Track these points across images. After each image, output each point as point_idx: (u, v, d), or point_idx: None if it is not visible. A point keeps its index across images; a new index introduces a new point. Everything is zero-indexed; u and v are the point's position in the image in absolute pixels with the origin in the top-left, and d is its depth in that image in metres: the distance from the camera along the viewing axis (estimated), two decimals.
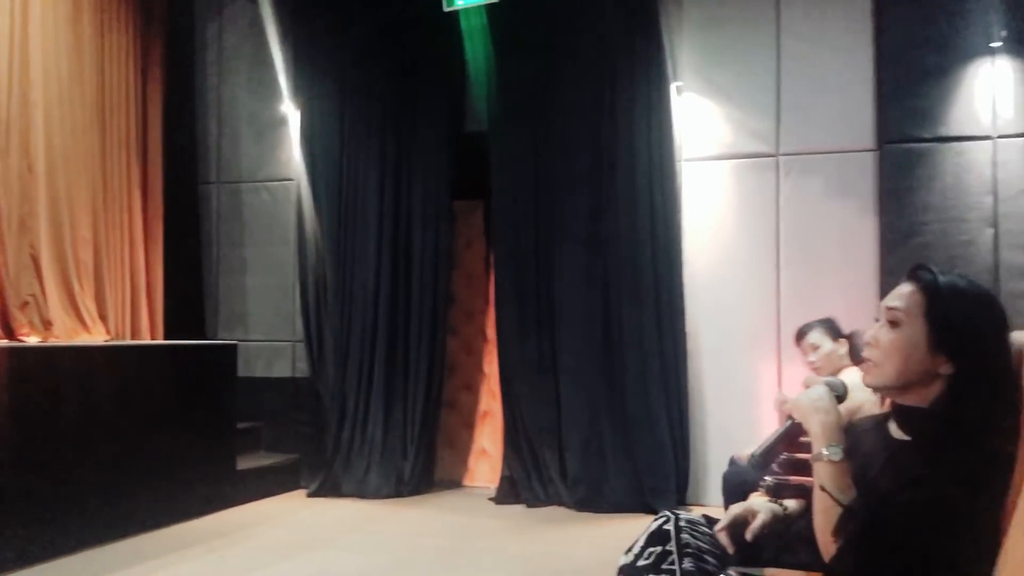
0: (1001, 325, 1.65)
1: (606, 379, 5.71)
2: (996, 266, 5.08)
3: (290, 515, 5.54)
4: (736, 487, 3.65)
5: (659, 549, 1.87)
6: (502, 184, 6.02)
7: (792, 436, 1.80)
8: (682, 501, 5.47)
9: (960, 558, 1.54)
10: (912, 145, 5.30)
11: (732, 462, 4.15)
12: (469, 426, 6.52)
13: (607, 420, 5.68)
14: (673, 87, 5.75)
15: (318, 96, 6.40)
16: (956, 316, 1.63)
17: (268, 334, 6.69)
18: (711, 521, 1.97)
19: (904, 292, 1.70)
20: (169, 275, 6.42)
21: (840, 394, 1.77)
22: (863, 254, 5.43)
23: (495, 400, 6.29)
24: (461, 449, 6.50)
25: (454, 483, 6.40)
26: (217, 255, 6.88)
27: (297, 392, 6.53)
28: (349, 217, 6.29)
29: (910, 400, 1.70)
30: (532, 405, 5.83)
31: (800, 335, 4.11)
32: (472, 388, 6.55)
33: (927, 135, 5.27)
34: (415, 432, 6.07)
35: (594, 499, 5.57)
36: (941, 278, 1.67)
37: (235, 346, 5.99)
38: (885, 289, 5.22)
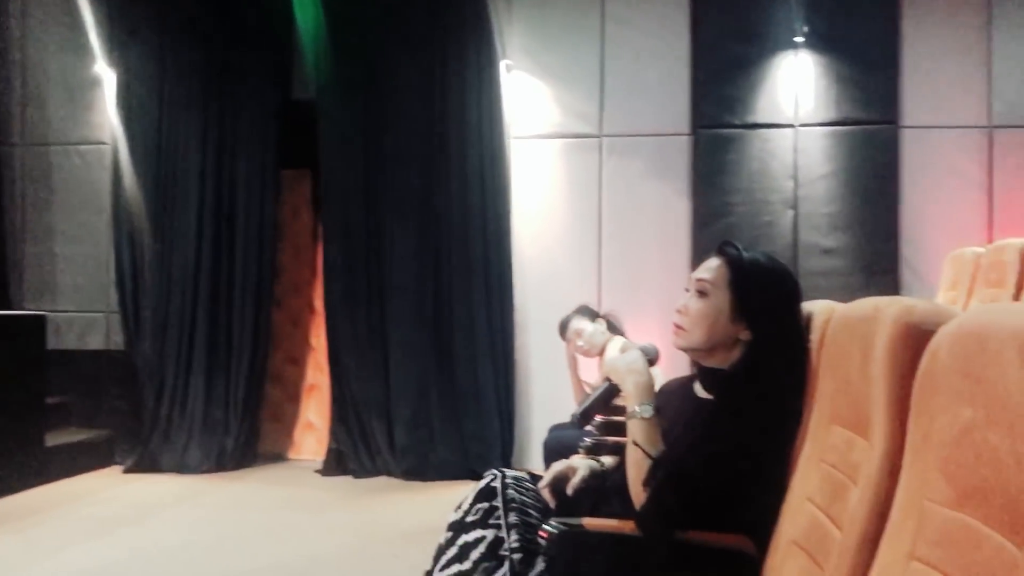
0: (794, 298, 1.85)
1: (436, 352, 5.79)
2: (795, 245, 5.52)
3: (104, 492, 5.32)
4: (556, 452, 3.83)
5: (487, 505, 1.97)
6: (331, 154, 5.95)
7: (610, 395, 1.95)
8: (507, 466, 5.62)
9: (756, 500, 1.73)
10: (723, 131, 5.66)
11: (552, 429, 4.35)
12: (295, 399, 6.45)
13: (436, 391, 5.77)
14: (503, 65, 5.87)
15: (136, 57, 6.10)
16: (756, 288, 1.82)
17: (80, 305, 6.35)
18: (535, 478, 2.09)
19: (712, 265, 1.87)
20: None
21: (652, 358, 1.94)
22: (678, 232, 5.74)
23: (322, 373, 6.25)
24: (287, 422, 6.43)
25: (279, 457, 6.32)
26: (22, 221, 6.44)
27: (112, 365, 6.23)
28: (169, 184, 6.05)
29: (714, 362, 1.88)
30: (361, 378, 5.83)
31: (562, 329, 4.46)
32: (298, 361, 6.48)
33: (736, 122, 5.64)
34: (238, 406, 5.94)
35: (421, 468, 5.65)
36: (745, 254, 1.86)
37: (43, 317, 5.67)
38: (696, 264, 5.60)
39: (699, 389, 1.96)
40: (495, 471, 2.07)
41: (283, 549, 4.16)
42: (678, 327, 1.89)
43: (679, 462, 1.73)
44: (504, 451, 5.68)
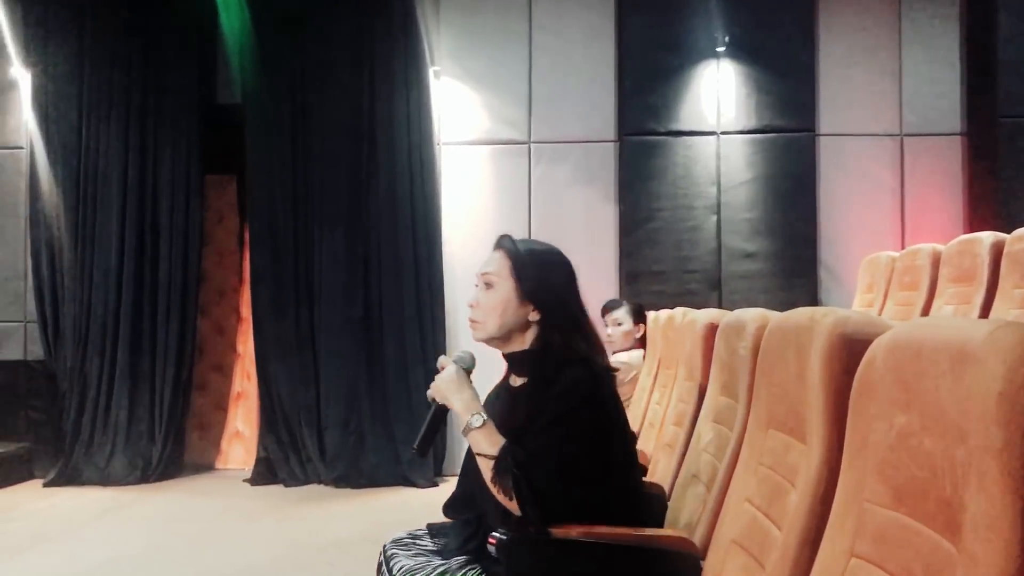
0: (569, 274, 2.02)
1: (366, 358, 5.78)
2: (719, 249, 5.68)
3: (23, 507, 5.17)
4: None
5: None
6: (257, 159, 5.89)
7: (439, 418, 2.02)
8: (439, 472, 5.66)
9: (603, 472, 1.85)
10: (647, 138, 5.78)
11: None
12: (222, 408, 6.35)
13: (367, 398, 5.75)
14: (431, 71, 5.89)
15: (53, 60, 5.93)
16: (535, 271, 1.97)
17: None
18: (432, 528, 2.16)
19: (494, 258, 2.01)
20: None
21: (468, 367, 2.02)
22: (605, 236, 5.85)
23: (250, 381, 6.18)
24: (213, 432, 6.32)
25: (206, 467, 6.21)
26: None
27: (30, 375, 6.05)
28: (89, 189, 5.89)
29: (514, 347, 2.01)
30: (290, 385, 5.78)
31: (607, 308, 4.53)
32: (224, 369, 6.38)
33: (661, 129, 5.77)
34: (163, 415, 5.82)
35: (352, 475, 5.62)
36: (520, 244, 2.01)
37: None
38: (623, 269, 5.75)
39: (513, 379, 2.07)
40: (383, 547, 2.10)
41: (213, 561, 4.10)
42: (473, 321, 2.01)
43: (515, 449, 1.83)
44: (436, 456, 5.69)
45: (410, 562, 1.95)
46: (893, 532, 1.01)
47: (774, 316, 1.74)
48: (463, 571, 1.88)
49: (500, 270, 1.98)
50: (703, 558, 1.77)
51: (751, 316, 1.89)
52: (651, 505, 2.36)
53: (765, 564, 1.41)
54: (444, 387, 1.97)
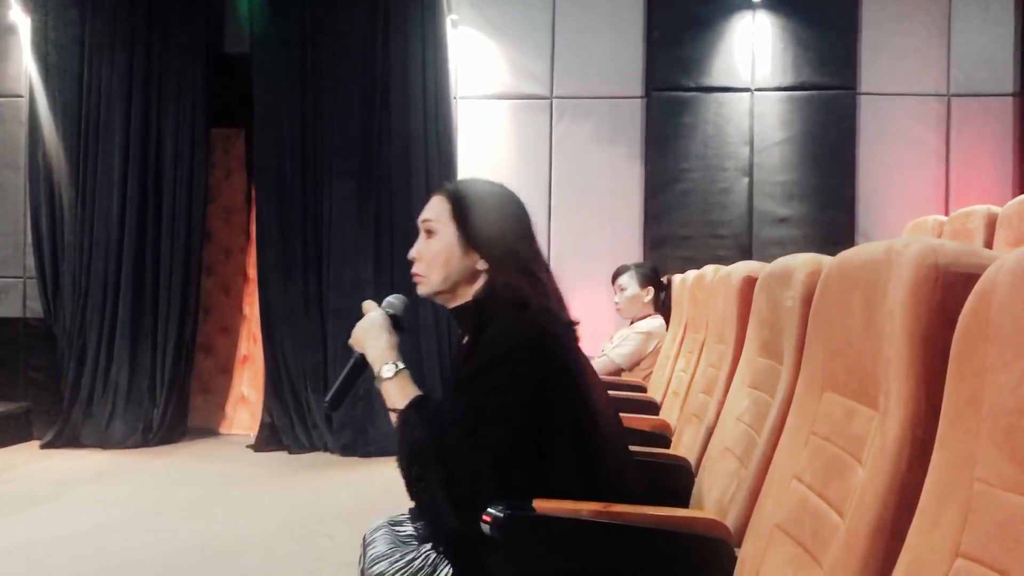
0: (520, 216, 1.78)
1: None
2: (750, 212, 5.36)
3: (19, 468, 4.99)
4: None
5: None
6: (265, 112, 5.61)
7: (357, 370, 1.77)
8: None
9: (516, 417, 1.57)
10: (677, 93, 5.45)
11: None
12: (227, 371, 6.13)
13: None
14: (448, 20, 5.58)
15: (55, 4, 5.67)
16: (479, 214, 1.73)
17: None
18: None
19: (433, 203, 1.78)
20: None
21: (397, 312, 1.79)
22: (629, 198, 5.54)
23: (256, 344, 5.95)
24: (218, 395, 6.11)
25: (209, 431, 6.00)
26: None
27: (29, 333, 5.85)
28: (91, 141, 5.64)
29: (461, 301, 1.75)
30: (297, 348, 5.54)
31: (613, 276, 4.32)
32: (230, 331, 6.15)
33: (691, 84, 5.44)
34: (165, 377, 5.60)
35: (359, 443, 5.38)
36: (461, 185, 1.79)
37: None
38: (648, 233, 5.45)
39: (466, 338, 1.79)
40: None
41: (210, 528, 3.90)
42: (416, 275, 1.77)
43: (429, 402, 1.64)
44: None
45: (384, 548, 1.71)
46: (1021, 524, 0.72)
47: (828, 259, 1.44)
48: (433, 561, 1.63)
49: (440, 215, 1.74)
50: (738, 545, 1.49)
51: (801, 261, 1.60)
52: (674, 480, 2.10)
53: (821, 558, 1.13)
54: (361, 333, 1.74)
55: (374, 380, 1.70)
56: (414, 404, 1.63)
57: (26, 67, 5.73)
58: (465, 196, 1.75)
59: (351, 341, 1.77)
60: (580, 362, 1.68)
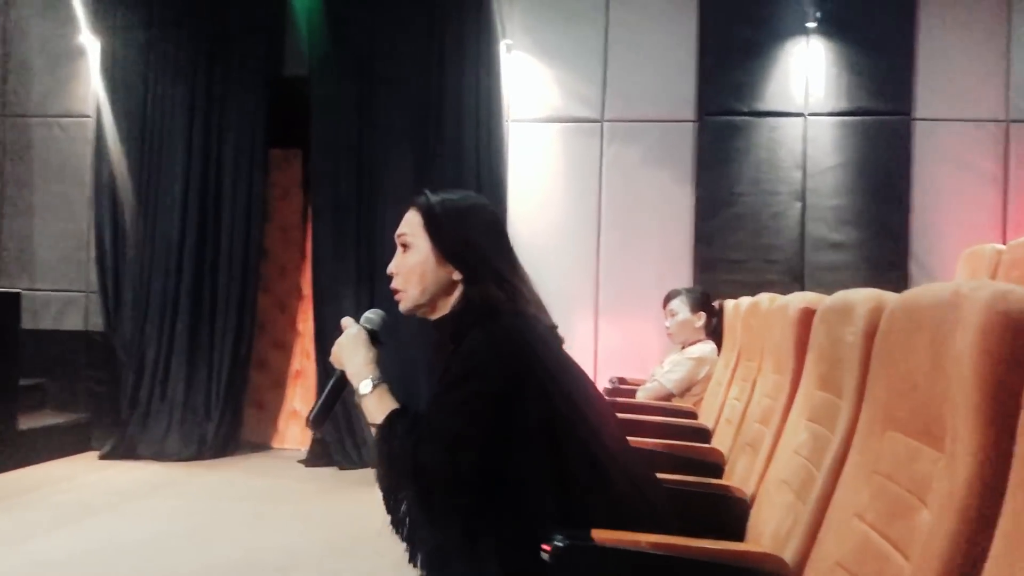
0: (493, 225, 1.82)
1: (426, 340, 5.55)
2: (802, 237, 5.33)
3: (78, 478, 5.11)
4: None
5: None
6: (322, 133, 5.73)
7: (338, 388, 1.78)
8: None
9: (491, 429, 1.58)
10: (730, 118, 5.45)
11: None
12: (280, 386, 6.23)
13: (426, 381, 5.55)
14: (502, 45, 5.64)
15: (122, 27, 5.86)
16: (451, 225, 1.75)
17: (58, 283, 6.10)
18: None
19: (407, 217, 1.81)
20: None
21: (375, 327, 1.80)
22: (679, 222, 5.54)
23: (309, 360, 6.04)
24: (271, 410, 6.21)
25: (262, 445, 6.10)
26: (0, 195, 6.20)
27: (90, 347, 6.01)
28: (153, 160, 5.82)
29: (441, 313, 1.77)
30: None
31: (666, 299, 4.34)
32: (284, 347, 6.26)
33: (744, 109, 5.43)
34: (220, 391, 5.72)
35: None
36: (433, 196, 1.79)
37: (18, 295, 5.44)
38: (698, 257, 5.44)
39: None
40: None
41: (261, 543, 3.98)
42: (395, 290, 1.79)
43: (407, 416, 1.64)
44: None
45: None
46: None
47: (891, 296, 1.45)
48: None
49: (414, 229, 1.76)
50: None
51: (861, 297, 1.60)
52: (728, 511, 2.10)
53: None
54: (340, 351, 1.76)
55: (355, 396, 1.71)
56: (391, 417, 1.64)
57: (94, 88, 5.92)
58: (436, 208, 1.76)
59: (331, 359, 1.79)
60: (562, 361, 1.70)
